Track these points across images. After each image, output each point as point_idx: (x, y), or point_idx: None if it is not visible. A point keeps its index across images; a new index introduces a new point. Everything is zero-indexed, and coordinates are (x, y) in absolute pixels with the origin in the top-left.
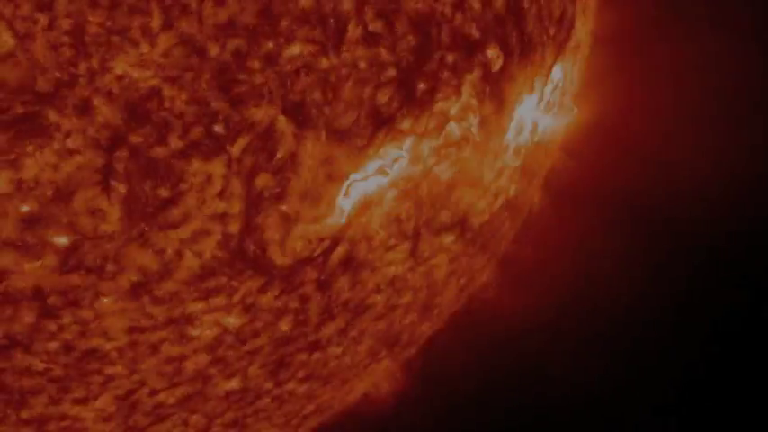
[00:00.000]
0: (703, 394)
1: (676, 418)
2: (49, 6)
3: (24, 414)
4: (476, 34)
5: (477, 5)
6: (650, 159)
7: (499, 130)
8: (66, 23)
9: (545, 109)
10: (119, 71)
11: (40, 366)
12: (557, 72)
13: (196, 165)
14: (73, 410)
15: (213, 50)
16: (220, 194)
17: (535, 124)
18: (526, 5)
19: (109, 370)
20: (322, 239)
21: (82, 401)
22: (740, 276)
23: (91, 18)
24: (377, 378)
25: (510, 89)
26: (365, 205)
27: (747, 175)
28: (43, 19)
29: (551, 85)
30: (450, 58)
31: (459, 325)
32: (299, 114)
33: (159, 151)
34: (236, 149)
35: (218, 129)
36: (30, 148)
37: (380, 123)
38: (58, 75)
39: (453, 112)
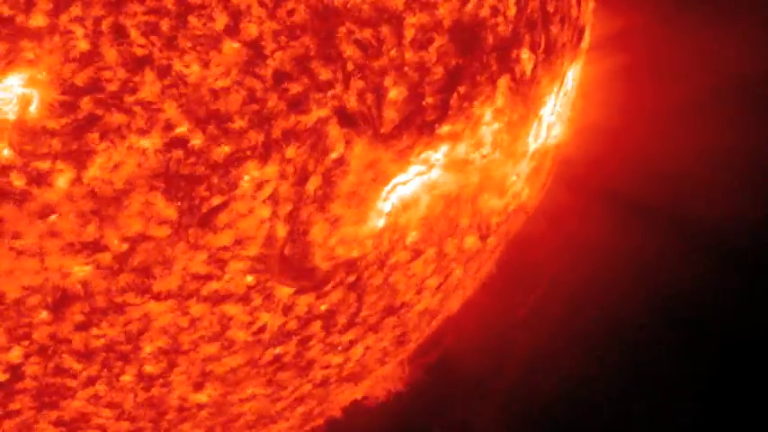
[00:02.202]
0: (711, 395)
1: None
2: (119, 9)
3: (54, 415)
4: (510, 38)
5: (512, 10)
6: (654, 160)
7: (524, 134)
8: (134, 26)
9: (557, 112)
10: (184, 73)
11: (78, 367)
12: (570, 75)
13: (251, 168)
14: (103, 413)
15: (273, 53)
16: (271, 197)
17: (549, 127)
18: (551, 9)
19: (145, 370)
20: (361, 242)
21: (112, 405)
22: (744, 276)
23: (159, 21)
24: (380, 376)
25: (536, 93)
26: (402, 208)
27: (754, 174)
28: (112, 21)
29: (564, 88)
30: (487, 63)
31: (458, 324)
32: (349, 117)
33: (218, 153)
34: (290, 152)
35: (275, 132)
36: (92, 148)
37: (423, 127)
38: (124, 76)
39: (487, 116)
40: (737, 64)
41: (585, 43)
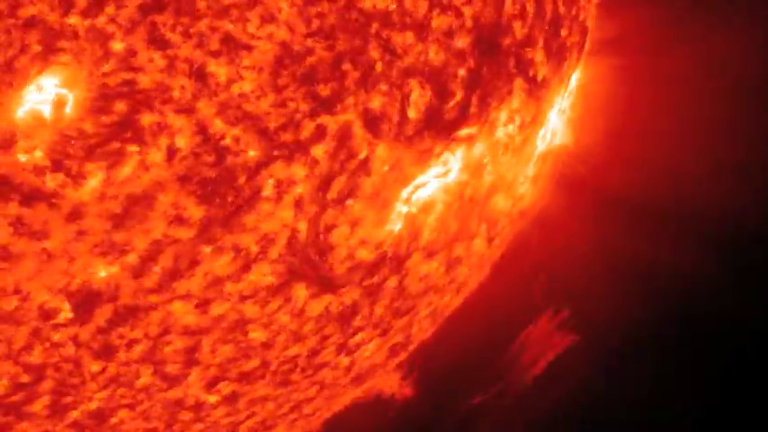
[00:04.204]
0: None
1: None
2: (154, 11)
3: (72, 416)
4: (527, 41)
5: (531, 14)
6: (654, 161)
7: (534, 136)
8: (168, 27)
9: (562, 114)
10: (216, 74)
11: (97, 368)
12: (574, 77)
13: (278, 169)
14: (120, 414)
15: (303, 56)
16: (295, 199)
17: (555, 129)
18: (562, 12)
19: (164, 370)
20: (380, 244)
21: (130, 406)
22: (744, 276)
23: (192, 24)
24: (381, 376)
25: (546, 95)
26: (419, 210)
27: (754, 174)
28: (147, 23)
29: (569, 90)
30: (505, 65)
31: (458, 324)
32: (374, 119)
33: (246, 154)
34: (315, 153)
35: (302, 133)
36: (125, 149)
37: (444, 128)
38: (158, 77)
39: (503, 118)
40: (737, 66)
41: (587, 46)
